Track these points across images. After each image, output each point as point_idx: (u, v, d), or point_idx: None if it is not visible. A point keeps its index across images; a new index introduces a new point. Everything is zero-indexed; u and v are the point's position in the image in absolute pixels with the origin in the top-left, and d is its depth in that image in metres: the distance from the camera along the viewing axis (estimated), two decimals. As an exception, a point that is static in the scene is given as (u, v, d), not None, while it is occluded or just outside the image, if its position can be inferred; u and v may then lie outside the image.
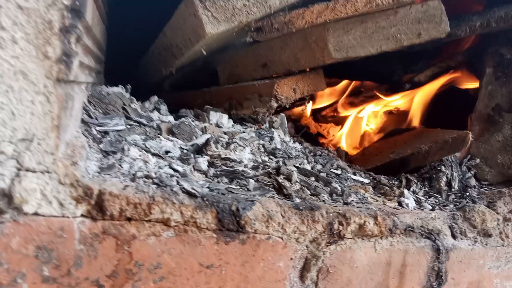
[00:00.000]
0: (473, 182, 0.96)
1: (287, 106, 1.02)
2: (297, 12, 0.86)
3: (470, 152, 1.01)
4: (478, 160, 0.99)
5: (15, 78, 0.55)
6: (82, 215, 0.60)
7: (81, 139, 0.70)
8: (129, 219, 0.62)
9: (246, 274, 0.68)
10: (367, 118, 1.49)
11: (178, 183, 0.67)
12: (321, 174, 0.94)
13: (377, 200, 0.88)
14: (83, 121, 0.81)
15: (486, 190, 0.93)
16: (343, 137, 1.53)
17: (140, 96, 1.06)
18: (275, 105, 0.98)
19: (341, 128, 1.59)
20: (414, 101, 1.23)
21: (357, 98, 1.46)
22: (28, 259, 0.57)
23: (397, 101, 1.28)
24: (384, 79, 1.19)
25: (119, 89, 0.97)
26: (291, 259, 0.71)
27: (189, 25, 0.85)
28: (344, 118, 1.57)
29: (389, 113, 1.40)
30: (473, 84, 1.10)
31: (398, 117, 1.37)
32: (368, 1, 0.84)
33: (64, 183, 0.59)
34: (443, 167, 0.98)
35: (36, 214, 0.57)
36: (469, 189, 0.94)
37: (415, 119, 1.26)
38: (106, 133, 0.81)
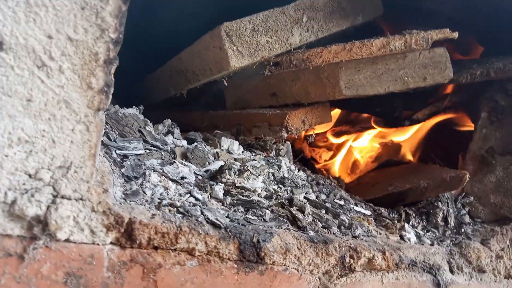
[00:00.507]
0: (467, 219, 1.02)
1: (296, 136, 1.05)
2: (315, 50, 0.91)
3: (464, 190, 1.07)
4: (472, 198, 1.05)
5: (58, 106, 0.57)
6: (112, 243, 0.61)
7: (107, 164, 0.72)
8: (156, 248, 0.63)
9: (262, 304, 0.70)
10: (361, 147, 1.54)
11: (202, 213, 0.69)
12: (327, 204, 0.98)
13: (380, 233, 0.92)
14: (102, 143, 0.82)
15: (479, 227, 0.99)
16: (337, 163, 1.57)
17: (144, 112, 1.07)
18: (285, 135, 1.01)
19: (333, 154, 1.64)
20: (410, 136, 1.29)
21: (353, 127, 1.51)
22: (57, 285, 0.57)
23: (394, 134, 1.34)
24: (386, 114, 1.25)
25: (134, 111, 0.98)
26: (305, 290, 0.74)
27: (211, 56, 0.88)
28: (337, 145, 1.62)
29: (384, 144, 1.46)
30: (468, 127, 1.17)
31: (392, 148, 1.43)
32: (382, 46, 0.90)
33: (97, 210, 0.60)
34: (439, 203, 1.03)
35: (68, 240, 0.58)
36: (464, 226, 0.99)
37: (409, 153, 1.32)
38: (125, 156, 0.82)
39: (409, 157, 1.36)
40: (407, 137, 1.33)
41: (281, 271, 0.71)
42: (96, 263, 0.59)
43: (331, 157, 1.66)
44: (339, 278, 0.76)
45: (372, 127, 1.43)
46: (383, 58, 0.95)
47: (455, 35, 0.93)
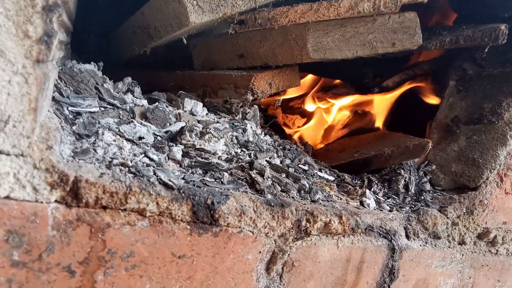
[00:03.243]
0: (428, 186, 1.03)
1: (261, 98, 1.03)
2: (281, 9, 0.87)
3: (428, 158, 1.08)
4: (434, 167, 1.06)
5: (-8, 55, 0.52)
6: (57, 201, 0.59)
7: (55, 121, 0.68)
8: (104, 208, 0.61)
9: (216, 265, 0.70)
10: (333, 114, 1.53)
11: (155, 173, 0.67)
12: (290, 169, 0.97)
13: (341, 199, 0.93)
14: (54, 98, 0.78)
15: (439, 195, 1.00)
16: (307, 130, 1.57)
17: (110, 70, 1.02)
18: (250, 98, 0.99)
19: (306, 121, 1.63)
20: (379, 103, 1.28)
21: (326, 94, 1.50)
22: (-4, 243, 0.55)
23: (365, 101, 1.33)
24: (355, 81, 1.24)
25: (91, 67, 0.93)
26: (260, 252, 0.74)
27: (171, 11, 0.83)
28: (310, 111, 1.61)
29: (355, 112, 1.45)
30: (433, 99, 1.17)
31: (362, 116, 1.43)
32: (350, 7, 0.87)
33: (39, 168, 0.57)
34: (402, 171, 1.04)
35: (8, 197, 0.55)
36: (424, 193, 1.01)
37: (379, 120, 1.32)
38: (78, 113, 0.78)
39: (379, 124, 1.36)
40: (378, 105, 1.33)
41: (235, 233, 0.71)
42: (40, 221, 0.57)
43: (304, 124, 1.65)
44: (294, 241, 0.76)
45: (344, 94, 1.42)
46: (352, 21, 0.92)
47: (425, -1, 0.91)
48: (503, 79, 1.01)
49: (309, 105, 1.59)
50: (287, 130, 1.64)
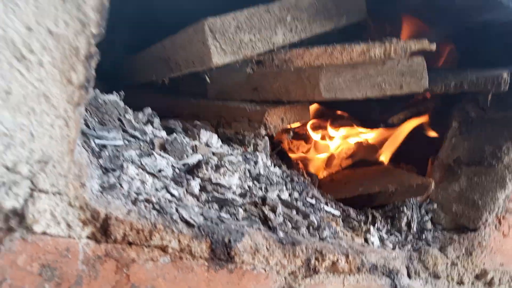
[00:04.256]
0: (429, 225, 1.07)
1: (274, 134, 1.07)
2: (297, 52, 0.92)
3: (430, 196, 1.12)
4: (435, 205, 1.10)
5: (37, 101, 0.57)
6: (87, 237, 0.62)
7: (85, 155, 0.72)
8: (130, 244, 0.65)
9: (229, 300, 0.74)
10: (338, 143, 1.58)
11: (177, 210, 0.71)
12: (299, 203, 1.01)
13: (346, 235, 0.97)
14: (81, 131, 0.82)
15: (439, 234, 1.05)
16: (313, 157, 1.61)
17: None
18: (263, 132, 1.03)
19: (310, 147, 1.67)
20: (386, 139, 1.34)
21: (331, 124, 1.54)
22: (31, 276, 0.58)
23: (369, 134, 1.38)
24: (362, 115, 1.29)
25: (114, 97, 0.97)
26: (270, 288, 0.78)
27: (195, 50, 0.88)
28: (314, 139, 1.65)
29: (359, 143, 1.50)
30: (433, 133, 1.22)
31: (367, 148, 1.47)
32: (362, 52, 0.91)
33: (74, 205, 0.61)
34: (404, 208, 1.08)
35: (44, 233, 0.59)
36: (425, 232, 1.05)
37: (384, 154, 1.37)
38: (104, 146, 0.82)
39: (383, 158, 1.41)
40: (383, 139, 1.38)
41: (249, 270, 0.74)
42: (71, 256, 0.61)
43: (308, 150, 1.70)
44: (303, 279, 0.80)
45: (349, 125, 1.47)
46: (363, 63, 0.97)
47: (433, 47, 0.96)
48: (504, 123, 1.06)
49: (314, 133, 1.64)
50: (292, 155, 1.69)
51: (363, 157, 1.45)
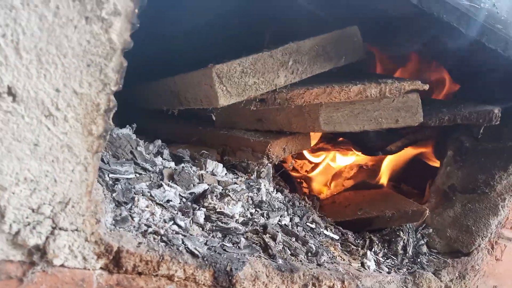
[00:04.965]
0: (424, 249, 1.12)
1: (276, 163, 1.14)
2: (298, 91, 0.99)
3: (426, 221, 1.17)
4: (431, 230, 1.15)
5: (61, 150, 0.64)
6: (101, 268, 0.69)
7: (100, 192, 0.79)
8: (139, 273, 0.72)
9: (230, 324, 0.80)
10: (340, 165, 1.64)
11: (183, 242, 0.78)
12: (299, 228, 1.07)
13: (344, 259, 1.02)
14: (96, 165, 0.90)
15: (434, 258, 1.09)
16: (316, 177, 1.67)
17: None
18: (266, 162, 1.10)
19: (313, 167, 1.73)
20: (385, 163, 1.39)
21: (332, 146, 1.60)
22: (51, 304, 0.66)
23: (369, 160, 1.44)
24: (360, 143, 1.35)
25: (127, 131, 1.05)
26: (269, 313, 0.84)
27: (203, 91, 0.96)
28: (317, 160, 1.71)
29: (360, 167, 1.55)
30: (435, 163, 1.27)
31: (367, 171, 1.53)
32: (359, 92, 0.98)
33: (90, 240, 0.68)
34: (401, 232, 1.13)
35: (62, 266, 0.66)
36: (420, 256, 1.10)
37: (383, 177, 1.42)
38: (117, 179, 0.90)
39: (383, 181, 1.46)
40: (383, 164, 1.43)
41: (249, 296, 0.81)
42: (86, 286, 0.68)
43: (312, 169, 1.76)
44: (301, 303, 0.86)
45: (349, 149, 1.53)
46: (361, 100, 1.03)
47: (426, 87, 1.02)
48: (496, 153, 1.11)
49: (312, 157, 1.69)
50: (296, 174, 1.75)
51: (363, 179, 1.51)
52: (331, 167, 1.69)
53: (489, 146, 1.13)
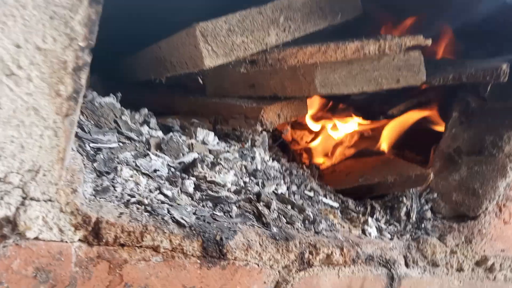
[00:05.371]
0: (429, 214, 1.07)
1: (270, 130, 1.08)
2: (291, 51, 0.92)
3: (430, 186, 1.12)
4: (435, 195, 1.10)
5: (27, 113, 0.59)
6: (80, 240, 0.65)
7: (78, 161, 0.74)
8: (122, 245, 0.67)
9: (223, 295, 0.76)
10: (341, 133, 1.58)
11: (169, 211, 0.73)
12: (296, 196, 1.02)
13: (343, 227, 0.98)
14: (77, 134, 0.84)
15: (439, 223, 1.04)
16: (316, 146, 1.61)
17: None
18: (260, 129, 1.04)
19: (314, 136, 1.67)
20: (386, 129, 1.33)
21: (332, 114, 1.54)
22: (27, 279, 0.62)
23: (370, 125, 1.38)
24: (362, 108, 1.28)
25: (110, 100, 0.99)
26: (264, 283, 0.79)
27: (187, 52, 0.89)
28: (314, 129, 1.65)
29: (361, 133, 1.49)
30: (439, 127, 1.20)
31: (368, 138, 1.47)
32: (356, 49, 0.91)
33: (65, 211, 0.63)
34: (404, 198, 1.08)
35: (37, 238, 0.62)
36: (424, 221, 1.05)
37: (385, 144, 1.36)
38: (99, 149, 0.84)
39: (385, 147, 1.40)
40: (385, 130, 1.37)
41: (242, 266, 0.76)
42: (65, 259, 0.64)
43: (312, 140, 1.70)
44: (297, 272, 0.82)
45: (350, 116, 1.46)
46: (359, 59, 0.96)
47: (428, 42, 0.94)
48: (504, 113, 1.04)
49: (314, 124, 1.63)
50: (296, 146, 1.69)
51: (365, 147, 1.45)
52: (331, 138, 1.63)
53: (496, 105, 1.06)
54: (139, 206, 0.72)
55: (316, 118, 1.61)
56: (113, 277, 0.67)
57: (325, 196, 1.10)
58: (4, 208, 0.58)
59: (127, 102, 1.21)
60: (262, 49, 0.90)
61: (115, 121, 0.94)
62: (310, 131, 1.75)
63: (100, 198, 0.71)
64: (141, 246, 0.68)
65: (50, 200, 0.62)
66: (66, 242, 0.64)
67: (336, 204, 1.07)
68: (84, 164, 0.76)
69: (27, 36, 0.56)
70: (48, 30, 0.57)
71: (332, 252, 0.84)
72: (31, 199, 0.60)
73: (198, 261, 0.72)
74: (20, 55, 0.56)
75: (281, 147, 1.41)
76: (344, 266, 0.86)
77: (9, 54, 0.56)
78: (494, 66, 0.98)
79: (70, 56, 0.59)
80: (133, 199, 0.73)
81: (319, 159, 1.57)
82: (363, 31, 1.31)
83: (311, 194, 1.08)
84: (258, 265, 0.78)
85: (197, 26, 0.84)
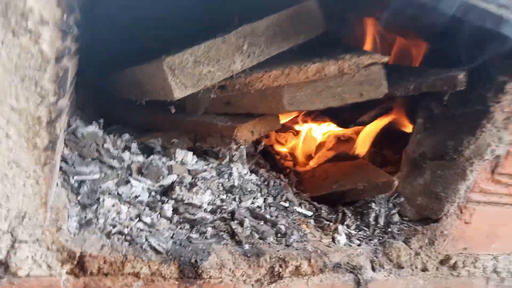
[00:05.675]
0: (396, 218, 1.15)
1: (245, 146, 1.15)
2: (256, 75, 0.98)
3: (398, 190, 1.19)
4: (402, 199, 1.17)
5: (9, 167, 0.66)
6: (67, 273, 0.73)
7: (63, 197, 0.82)
8: (105, 274, 0.75)
9: (201, 310, 0.84)
10: (322, 135, 1.65)
11: (147, 239, 0.81)
12: (271, 208, 1.10)
13: (315, 236, 1.05)
14: (61, 168, 0.92)
15: (405, 226, 1.12)
16: (299, 148, 1.68)
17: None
18: (234, 146, 1.11)
19: (297, 139, 1.75)
20: (361, 134, 1.40)
21: (312, 120, 1.61)
22: (22, 311, 0.70)
23: (344, 132, 1.45)
24: (333, 116, 1.35)
25: (93, 128, 1.06)
26: (239, 296, 0.88)
27: (159, 83, 0.95)
28: (299, 130, 1.72)
29: (338, 138, 1.56)
30: (409, 128, 1.27)
31: (346, 142, 1.54)
32: (317, 71, 0.97)
33: (51, 249, 0.71)
34: (373, 204, 1.16)
35: (28, 276, 0.70)
36: (391, 225, 1.12)
37: (360, 148, 1.43)
38: (82, 181, 0.92)
39: (360, 151, 1.47)
40: (359, 136, 1.44)
41: (217, 283, 0.85)
42: (54, 291, 0.72)
43: (295, 143, 1.77)
44: (269, 285, 0.90)
45: (326, 121, 1.53)
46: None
47: (385, 59, 1.00)
48: (464, 118, 1.10)
49: (299, 127, 1.70)
50: (280, 148, 1.76)
51: (342, 150, 1.52)
52: (314, 138, 1.70)
53: (457, 111, 1.12)
54: (120, 236, 0.80)
55: (297, 122, 1.68)
56: (99, 303, 0.75)
57: (300, 205, 1.18)
58: (-4, 252, 0.66)
59: (114, 119, 1.28)
60: (229, 75, 0.96)
61: (97, 151, 1.01)
62: (294, 133, 1.82)
63: (84, 231, 0.79)
64: (122, 274, 0.76)
65: (37, 240, 0.70)
66: (55, 276, 0.72)
67: (309, 213, 1.15)
68: (68, 199, 0.84)
69: (1, 98, 0.63)
70: (20, 91, 0.63)
71: (300, 264, 0.92)
72: (20, 241, 0.68)
73: (176, 282, 0.81)
74: (-2, 117, 0.63)
75: (263, 153, 1.48)
76: (313, 275, 0.94)
77: (-12, 117, 0.62)
78: (451, 76, 1.03)
79: (43, 111, 0.66)
80: (114, 229, 0.81)
81: (302, 160, 1.65)
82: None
83: (286, 204, 1.15)
84: (231, 281, 0.86)
85: (164, 62, 0.90)
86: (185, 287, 0.81)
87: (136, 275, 0.77)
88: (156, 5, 1.29)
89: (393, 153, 1.53)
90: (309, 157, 1.69)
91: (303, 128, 1.71)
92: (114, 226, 0.82)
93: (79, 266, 0.73)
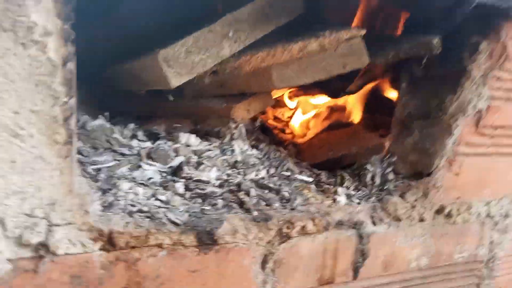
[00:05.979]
0: (391, 176, 1.23)
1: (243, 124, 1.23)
2: (244, 58, 1.05)
3: (390, 150, 1.28)
4: (395, 158, 1.26)
5: (35, 162, 0.74)
6: (99, 249, 0.82)
7: (85, 184, 0.90)
8: (133, 247, 0.84)
9: (221, 272, 0.94)
10: (315, 106, 1.73)
11: (165, 214, 0.90)
12: (275, 178, 1.19)
13: (317, 199, 1.14)
14: (79, 160, 0.99)
15: (400, 183, 1.21)
16: (296, 120, 1.76)
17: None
18: (233, 125, 1.19)
19: (293, 112, 1.83)
20: (351, 102, 1.47)
21: (305, 93, 1.68)
22: (65, 285, 0.79)
23: (335, 102, 1.53)
24: (323, 87, 1.42)
25: (100, 121, 1.14)
26: (253, 257, 0.97)
27: (155, 74, 1.02)
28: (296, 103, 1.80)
29: (331, 107, 1.64)
30: (393, 93, 1.35)
31: (338, 112, 1.62)
32: (300, 50, 1.04)
33: (83, 229, 0.80)
34: (368, 165, 1.24)
35: (66, 254, 0.78)
36: (387, 183, 1.21)
37: (353, 115, 1.51)
38: (99, 169, 1.00)
39: (353, 118, 1.55)
40: (349, 103, 1.52)
41: (232, 247, 0.94)
42: (91, 266, 0.81)
43: (291, 116, 1.85)
44: (280, 244, 0.99)
45: (318, 93, 1.61)
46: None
47: (363, 32, 1.07)
48: (445, 79, 1.18)
49: (292, 102, 1.78)
50: (278, 124, 1.84)
51: (336, 119, 1.60)
52: (308, 110, 1.78)
53: (438, 72, 1.20)
54: (141, 214, 0.89)
55: (291, 97, 1.75)
56: (131, 272, 0.84)
57: (300, 173, 1.26)
58: (36, 236, 0.75)
59: (117, 111, 1.36)
60: (219, 61, 1.04)
61: (108, 141, 1.09)
62: (290, 108, 1.90)
63: (108, 212, 0.87)
64: (148, 246, 0.85)
65: (69, 223, 0.78)
66: (89, 252, 0.80)
67: (310, 179, 1.23)
68: (89, 186, 0.92)
69: (21, 103, 0.70)
70: (36, 95, 0.71)
71: (306, 224, 1.01)
72: (55, 225, 0.77)
73: (196, 249, 0.90)
74: (20, 118, 0.70)
75: (262, 129, 1.56)
76: (318, 233, 1.04)
77: (11, 120, 0.70)
78: (426, 41, 1.11)
79: (58, 110, 0.73)
80: (134, 209, 0.89)
81: (301, 131, 1.73)
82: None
83: (288, 173, 1.24)
84: (245, 244, 0.95)
85: (159, 55, 0.97)
86: (204, 253, 0.90)
87: (160, 246, 0.86)
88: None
89: (386, 116, 1.62)
90: (306, 128, 1.78)
91: (297, 102, 1.79)
92: (134, 206, 0.90)
93: (109, 242, 0.82)
